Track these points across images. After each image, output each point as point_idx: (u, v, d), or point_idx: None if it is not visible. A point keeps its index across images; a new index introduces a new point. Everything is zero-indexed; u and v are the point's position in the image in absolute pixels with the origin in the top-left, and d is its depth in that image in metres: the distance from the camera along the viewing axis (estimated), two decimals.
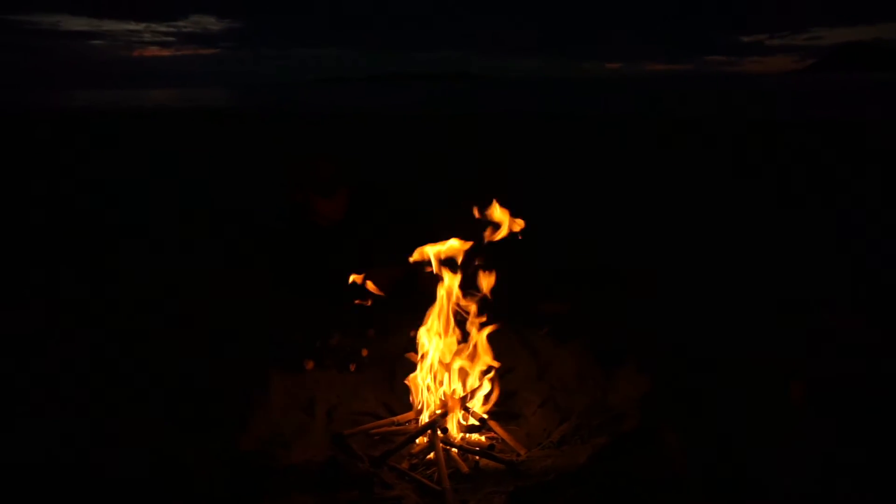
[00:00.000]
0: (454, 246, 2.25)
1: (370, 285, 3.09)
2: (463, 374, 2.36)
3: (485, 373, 2.35)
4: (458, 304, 2.33)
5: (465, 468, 2.03)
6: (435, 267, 2.26)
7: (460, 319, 2.36)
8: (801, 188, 6.99)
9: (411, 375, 2.35)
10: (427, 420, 2.22)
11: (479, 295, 2.32)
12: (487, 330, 2.33)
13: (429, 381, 2.32)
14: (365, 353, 2.66)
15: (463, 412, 2.28)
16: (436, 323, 2.33)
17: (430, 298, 2.34)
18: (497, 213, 2.27)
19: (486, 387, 2.34)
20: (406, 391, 2.40)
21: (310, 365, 2.51)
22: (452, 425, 2.24)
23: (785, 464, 1.86)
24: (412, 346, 2.42)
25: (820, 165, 8.72)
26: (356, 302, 2.62)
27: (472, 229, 2.30)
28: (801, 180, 7.47)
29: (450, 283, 2.30)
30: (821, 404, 2.13)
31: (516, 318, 2.88)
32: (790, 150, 10.73)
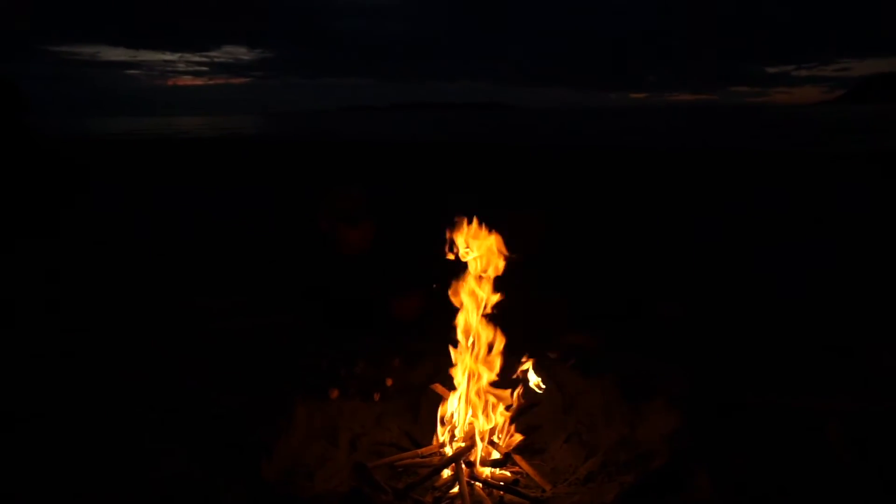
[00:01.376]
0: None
1: (396, 313, 3.11)
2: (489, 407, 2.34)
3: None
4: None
5: (489, 503, 2.00)
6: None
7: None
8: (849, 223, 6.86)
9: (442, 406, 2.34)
10: (451, 453, 2.19)
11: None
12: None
13: (455, 412, 2.30)
14: (389, 382, 2.65)
15: (488, 445, 2.25)
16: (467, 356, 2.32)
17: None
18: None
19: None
20: (430, 422, 2.38)
21: (334, 393, 2.50)
22: (477, 459, 2.21)
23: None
24: (437, 376, 2.41)
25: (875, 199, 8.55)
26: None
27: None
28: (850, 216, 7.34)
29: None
30: (859, 446, 2.06)
31: (542, 351, 2.85)
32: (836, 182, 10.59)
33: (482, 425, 2.28)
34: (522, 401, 2.46)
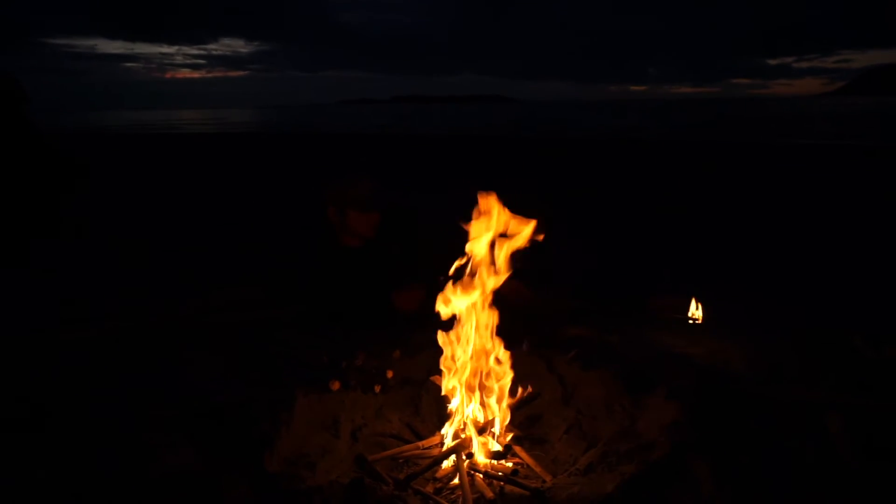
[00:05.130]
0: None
1: (398, 305, 3.12)
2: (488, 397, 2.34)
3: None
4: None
5: (489, 494, 2.00)
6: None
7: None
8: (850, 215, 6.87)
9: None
10: (452, 444, 2.20)
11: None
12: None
13: (456, 403, 2.30)
14: (390, 374, 2.66)
15: (489, 436, 2.26)
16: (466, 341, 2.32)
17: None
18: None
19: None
20: (431, 413, 2.39)
21: (335, 385, 2.51)
22: (478, 450, 2.22)
23: (820, 498, 1.81)
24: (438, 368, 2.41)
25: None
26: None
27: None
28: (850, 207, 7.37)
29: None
30: (858, 437, 2.07)
31: (542, 343, 2.86)
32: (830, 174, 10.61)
33: (483, 416, 2.29)
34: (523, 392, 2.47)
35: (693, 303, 3.15)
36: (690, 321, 3.09)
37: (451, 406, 2.32)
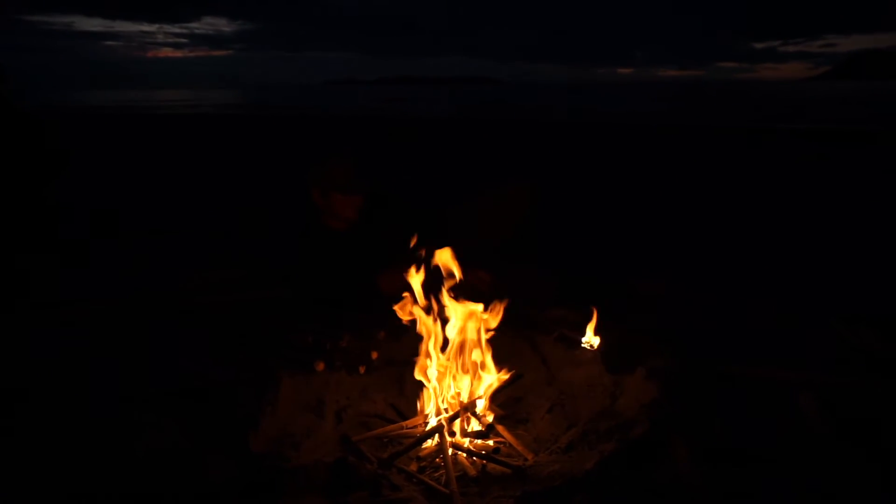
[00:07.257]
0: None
1: (383, 287, 3.13)
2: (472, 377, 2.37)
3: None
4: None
5: (472, 472, 2.04)
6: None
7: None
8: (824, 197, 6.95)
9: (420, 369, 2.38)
10: (436, 423, 2.23)
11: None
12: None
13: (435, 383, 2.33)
14: (375, 355, 2.68)
15: (471, 416, 2.29)
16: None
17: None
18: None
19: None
20: (415, 394, 2.42)
21: (320, 366, 2.53)
22: (460, 429, 2.25)
23: (793, 474, 1.86)
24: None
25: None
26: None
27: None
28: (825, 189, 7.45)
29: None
30: (831, 415, 2.12)
31: (525, 323, 2.89)
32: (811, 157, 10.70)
33: (466, 397, 2.32)
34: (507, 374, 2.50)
35: (589, 331, 2.72)
36: (586, 346, 2.69)
37: (434, 385, 2.34)
